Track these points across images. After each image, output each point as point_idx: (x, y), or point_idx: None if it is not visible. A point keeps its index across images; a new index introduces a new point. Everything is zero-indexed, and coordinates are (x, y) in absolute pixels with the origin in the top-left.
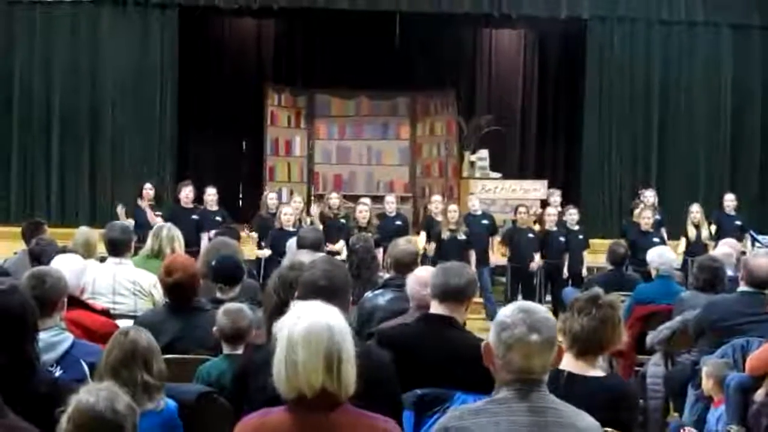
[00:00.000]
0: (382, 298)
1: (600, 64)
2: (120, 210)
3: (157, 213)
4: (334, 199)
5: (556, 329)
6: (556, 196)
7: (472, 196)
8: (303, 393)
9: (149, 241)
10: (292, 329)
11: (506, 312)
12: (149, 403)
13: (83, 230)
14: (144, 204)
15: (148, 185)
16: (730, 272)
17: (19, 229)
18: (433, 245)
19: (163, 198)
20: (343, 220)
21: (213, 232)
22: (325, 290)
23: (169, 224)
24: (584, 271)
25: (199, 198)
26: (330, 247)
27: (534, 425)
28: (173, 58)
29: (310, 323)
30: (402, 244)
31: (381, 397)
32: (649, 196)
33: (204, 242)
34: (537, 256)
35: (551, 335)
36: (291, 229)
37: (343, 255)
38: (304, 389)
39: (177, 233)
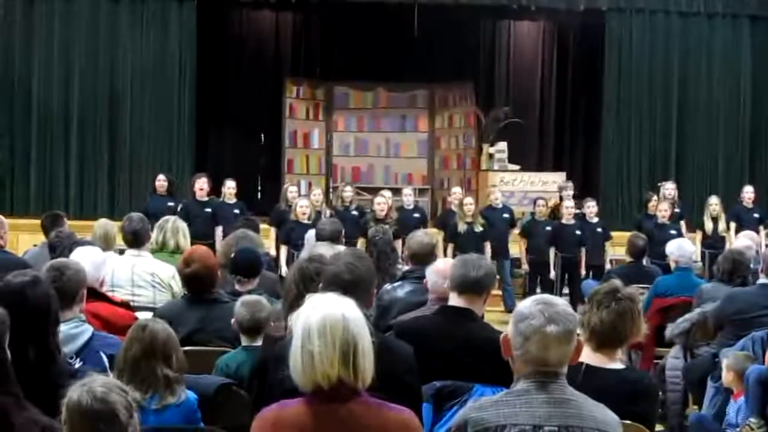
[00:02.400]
0: (400, 290)
1: (618, 56)
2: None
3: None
4: (348, 191)
5: (575, 322)
6: (569, 190)
7: (494, 189)
8: (319, 384)
9: (154, 233)
10: (308, 320)
11: (525, 303)
12: (171, 397)
13: (102, 222)
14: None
15: (161, 176)
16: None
17: (38, 222)
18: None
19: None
20: (355, 212)
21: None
22: (349, 284)
23: (174, 217)
24: (608, 264)
25: (217, 190)
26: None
27: (553, 417)
28: (192, 51)
29: (325, 314)
30: (420, 236)
31: (401, 389)
32: (670, 188)
33: (219, 235)
34: (551, 251)
35: (569, 327)
36: (306, 221)
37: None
38: (321, 380)
39: (182, 225)
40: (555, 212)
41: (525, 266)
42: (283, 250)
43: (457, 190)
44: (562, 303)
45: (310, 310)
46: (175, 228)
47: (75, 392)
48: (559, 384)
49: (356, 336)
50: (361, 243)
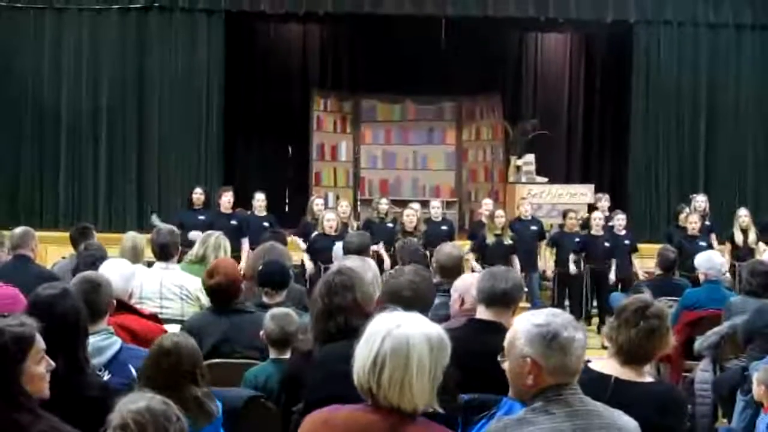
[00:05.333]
0: None
1: (647, 68)
2: (154, 219)
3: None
4: (384, 204)
5: (583, 331)
6: (604, 201)
7: (524, 201)
8: (377, 399)
9: (195, 247)
10: (386, 336)
11: (538, 319)
12: (206, 421)
13: (130, 235)
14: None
15: (198, 189)
16: None
17: (67, 235)
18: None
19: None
20: (390, 224)
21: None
22: (408, 300)
23: (218, 233)
24: (641, 275)
25: (244, 203)
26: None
27: (578, 429)
28: (220, 63)
29: (403, 337)
30: (447, 249)
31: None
32: (701, 201)
33: (245, 247)
34: (572, 257)
35: (583, 336)
36: (333, 234)
37: (387, 259)
38: (380, 398)
39: (225, 242)
40: (587, 224)
41: (549, 273)
42: (310, 263)
43: (488, 202)
44: (567, 315)
45: (394, 325)
46: (217, 244)
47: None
48: (576, 395)
49: (418, 361)
50: (387, 255)
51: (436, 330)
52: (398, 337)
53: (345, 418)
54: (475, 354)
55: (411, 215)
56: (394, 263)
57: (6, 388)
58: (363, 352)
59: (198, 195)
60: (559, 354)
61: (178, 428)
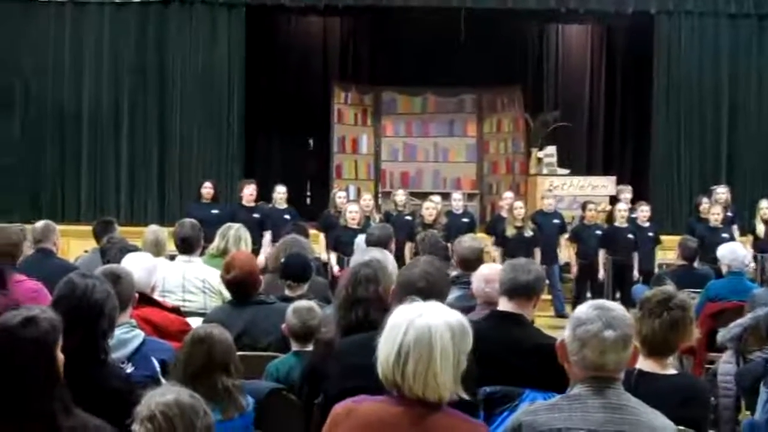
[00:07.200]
0: (449, 295)
1: (668, 59)
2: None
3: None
4: (400, 195)
5: (631, 327)
6: (626, 193)
7: (547, 194)
8: (402, 391)
9: (216, 240)
10: (408, 327)
11: (582, 309)
12: (236, 411)
13: (153, 229)
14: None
15: (208, 183)
16: None
17: (89, 228)
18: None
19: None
20: (408, 217)
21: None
22: (423, 292)
23: (237, 225)
24: (656, 269)
25: (265, 196)
26: None
27: (609, 422)
28: (240, 57)
29: (425, 327)
30: (468, 241)
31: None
32: (722, 192)
33: (267, 240)
34: (601, 253)
35: (626, 333)
36: (356, 227)
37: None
38: (404, 390)
39: (245, 234)
40: (610, 216)
41: (574, 269)
42: (333, 255)
43: (508, 195)
44: (619, 308)
45: (416, 315)
46: (237, 237)
47: (159, 396)
48: (615, 389)
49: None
50: (408, 247)
51: (456, 317)
52: (421, 327)
53: (369, 410)
54: (497, 346)
55: (431, 208)
56: (412, 255)
57: (45, 377)
58: (386, 345)
59: (207, 189)
60: (578, 344)
61: (206, 422)
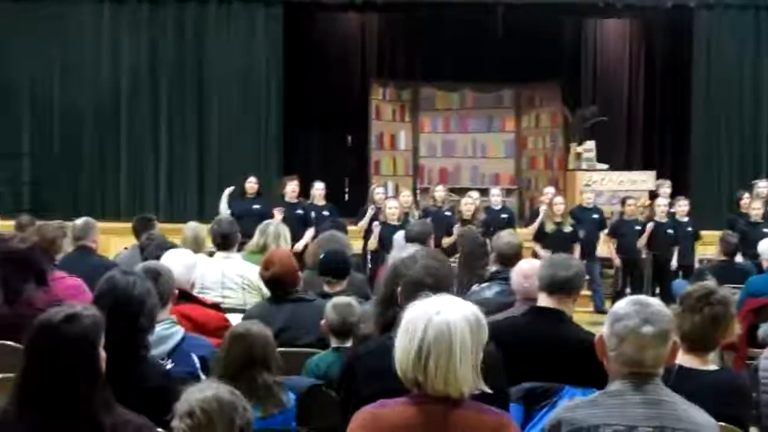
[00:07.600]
0: (488, 291)
1: (707, 53)
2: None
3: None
4: (439, 191)
5: (671, 323)
6: (666, 187)
7: (587, 189)
8: (424, 389)
9: (255, 237)
10: (427, 325)
11: (620, 304)
12: (275, 408)
13: (192, 225)
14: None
15: (252, 178)
16: None
17: (129, 225)
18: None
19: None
20: (447, 212)
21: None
22: (431, 287)
23: (277, 221)
24: (695, 263)
25: (304, 192)
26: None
27: (649, 418)
28: (278, 54)
29: (444, 323)
30: (506, 236)
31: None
32: (763, 187)
33: (308, 235)
34: (643, 248)
35: (665, 328)
36: (396, 223)
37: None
38: (427, 388)
39: (284, 231)
40: (649, 212)
41: (617, 261)
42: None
43: (549, 190)
44: (657, 303)
45: (433, 312)
46: (276, 233)
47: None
48: (654, 385)
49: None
50: (446, 242)
51: (472, 309)
52: (439, 324)
53: (392, 413)
54: (536, 341)
55: (469, 204)
56: (452, 251)
57: (88, 374)
58: (404, 343)
59: (252, 183)
60: (616, 340)
61: (245, 419)
